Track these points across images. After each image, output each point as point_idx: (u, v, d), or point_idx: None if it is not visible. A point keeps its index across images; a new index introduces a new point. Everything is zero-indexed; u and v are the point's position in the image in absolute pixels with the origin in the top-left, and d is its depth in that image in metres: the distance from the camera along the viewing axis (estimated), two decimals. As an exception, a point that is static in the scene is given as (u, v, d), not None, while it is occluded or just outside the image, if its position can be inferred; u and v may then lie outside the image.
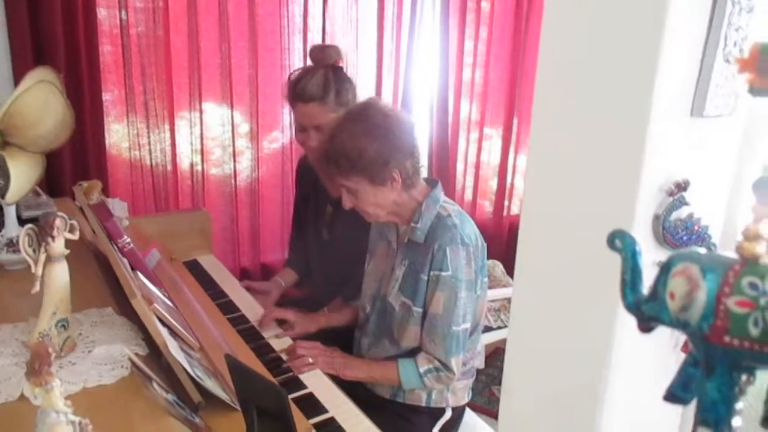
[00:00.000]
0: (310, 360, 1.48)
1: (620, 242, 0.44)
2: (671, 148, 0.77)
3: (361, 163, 1.43)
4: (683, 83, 0.76)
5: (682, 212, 0.80)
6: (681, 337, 0.89)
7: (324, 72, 1.70)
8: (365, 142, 1.43)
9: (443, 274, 1.46)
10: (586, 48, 0.79)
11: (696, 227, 0.82)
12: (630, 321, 0.77)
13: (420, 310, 1.52)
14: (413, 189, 1.51)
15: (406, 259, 1.54)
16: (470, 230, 1.51)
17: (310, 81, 1.69)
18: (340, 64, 1.77)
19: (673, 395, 0.43)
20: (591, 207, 0.82)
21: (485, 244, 1.56)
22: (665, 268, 0.42)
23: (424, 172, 1.58)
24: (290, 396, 1.26)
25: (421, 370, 1.51)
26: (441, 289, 1.47)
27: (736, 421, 0.41)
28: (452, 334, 1.48)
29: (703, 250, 0.41)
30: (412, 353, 1.55)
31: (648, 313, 0.43)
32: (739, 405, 0.41)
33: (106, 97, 2.28)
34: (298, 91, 1.70)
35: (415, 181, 1.51)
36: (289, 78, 1.78)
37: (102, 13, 2.21)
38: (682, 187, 0.79)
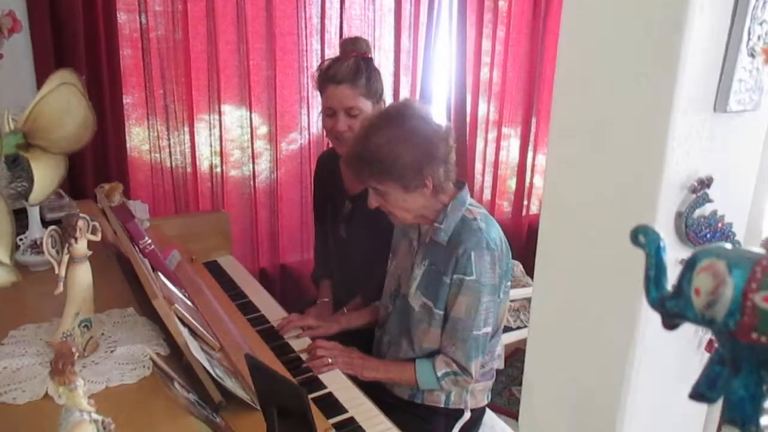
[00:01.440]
0: (330, 360, 1.49)
1: (644, 238, 0.43)
2: (694, 144, 0.76)
3: (395, 170, 1.42)
4: (706, 78, 0.75)
5: (706, 209, 0.79)
6: (705, 337, 0.88)
7: (356, 59, 1.74)
8: (402, 148, 1.41)
9: (467, 278, 1.45)
10: (607, 44, 0.78)
11: (719, 224, 0.81)
12: (652, 320, 0.76)
13: (441, 312, 1.51)
14: (442, 193, 1.51)
15: (426, 259, 1.53)
16: (496, 234, 1.49)
17: (343, 65, 1.72)
18: (370, 56, 1.79)
19: (699, 394, 0.42)
20: (612, 205, 0.81)
21: (510, 249, 1.54)
22: (690, 264, 0.41)
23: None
24: (310, 396, 1.26)
25: (439, 373, 1.50)
26: (464, 293, 1.46)
27: (765, 420, 0.40)
28: (473, 338, 1.47)
29: (729, 246, 0.40)
30: (431, 355, 1.55)
31: (672, 309, 0.42)
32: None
33: (126, 100, 2.30)
34: (330, 74, 1.72)
35: (446, 186, 1.50)
36: (319, 67, 1.81)
37: (122, 17, 2.23)
38: (705, 183, 0.77)
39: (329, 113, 1.76)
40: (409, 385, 1.57)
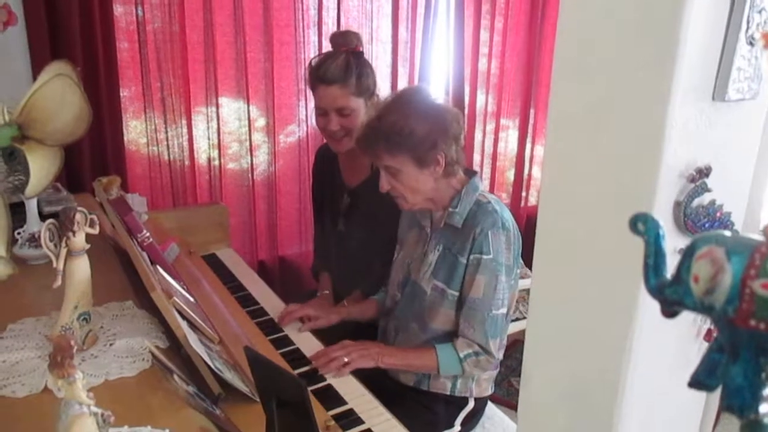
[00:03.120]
0: (346, 359, 1.45)
1: (643, 225, 0.43)
2: (692, 133, 0.76)
3: (411, 142, 1.44)
4: (704, 67, 0.74)
5: (704, 199, 0.79)
6: (703, 326, 0.88)
7: (345, 56, 1.72)
8: (416, 121, 1.44)
9: (485, 257, 1.46)
10: (605, 33, 0.78)
11: (718, 214, 0.81)
12: (650, 310, 0.76)
13: (455, 293, 1.51)
14: (453, 177, 1.52)
15: (440, 244, 1.54)
16: (509, 217, 1.52)
17: (332, 64, 1.70)
18: (360, 50, 1.77)
19: (698, 382, 0.42)
20: (610, 195, 0.81)
21: (520, 236, 1.55)
22: (689, 251, 0.41)
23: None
24: (309, 388, 1.26)
25: (461, 354, 1.50)
26: (482, 272, 1.47)
27: (763, 408, 0.40)
28: (492, 318, 1.49)
29: (728, 233, 0.40)
30: (440, 336, 1.55)
31: (671, 297, 0.42)
32: (767, 391, 0.40)
33: (123, 93, 2.30)
34: (320, 74, 1.71)
35: (456, 170, 1.52)
36: (310, 63, 1.79)
37: (118, 9, 2.22)
38: (703, 173, 0.77)
39: (321, 112, 1.76)
40: (430, 371, 1.56)
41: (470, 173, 1.58)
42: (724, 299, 0.39)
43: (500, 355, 1.66)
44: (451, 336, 1.54)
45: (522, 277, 2.82)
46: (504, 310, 1.51)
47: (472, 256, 1.48)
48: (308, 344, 1.56)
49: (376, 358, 1.51)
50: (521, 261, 2.97)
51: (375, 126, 1.48)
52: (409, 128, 1.43)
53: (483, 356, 1.51)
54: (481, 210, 1.49)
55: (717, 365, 0.41)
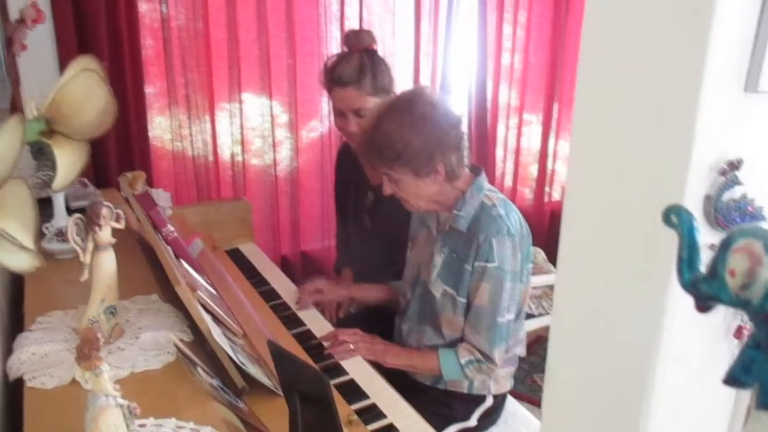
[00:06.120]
0: (351, 346, 1.49)
1: (676, 218, 0.42)
2: (723, 125, 0.74)
3: (405, 156, 1.41)
4: (736, 57, 0.72)
5: (735, 192, 0.77)
6: (732, 323, 0.86)
7: (359, 56, 1.70)
8: (411, 133, 1.40)
9: (489, 265, 1.44)
10: (633, 22, 0.76)
11: (750, 208, 0.79)
12: (679, 307, 0.75)
13: (464, 300, 1.50)
14: (456, 180, 1.49)
15: (446, 247, 1.52)
16: (515, 219, 1.49)
17: (346, 65, 1.69)
18: (375, 48, 1.76)
19: (734, 379, 0.41)
20: (638, 189, 0.79)
21: (530, 232, 1.53)
22: (725, 245, 0.40)
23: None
24: (332, 382, 1.26)
25: (462, 361, 1.50)
26: (487, 280, 1.45)
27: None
28: (497, 326, 1.47)
29: (766, 226, 0.39)
30: (455, 343, 1.54)
31: (706, 292, 0.41)
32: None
33: (148, 90, 2.32)
34: (334, 77, 1.70)
35: (459, 173, 1.49)
36: (324, 65, 1.78)
37: (143, 7, 2.25)
38: (734, 166, 0.75)
39: (338, 114, 1.76)
40: (432, 374, 1.57)
41: (476, 170, 1.55)
42: (761, 294, 0.37)
43: (521, 351, 1.65)
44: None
45: (545, 273, 2.81)
46: (511, 317, 1.49)
47: (476, 264, 1.46)
48: (331, 339, 1.56)
49: (380, 356, 1.53)
50: (544, 255, 2.95)
51: (370, 138, 1.45)
52: (404, 142, 1.40)
53: (485, 364, 1.50)
54: (485, 215, 1.47)
55: (753, 362, 0.40)
